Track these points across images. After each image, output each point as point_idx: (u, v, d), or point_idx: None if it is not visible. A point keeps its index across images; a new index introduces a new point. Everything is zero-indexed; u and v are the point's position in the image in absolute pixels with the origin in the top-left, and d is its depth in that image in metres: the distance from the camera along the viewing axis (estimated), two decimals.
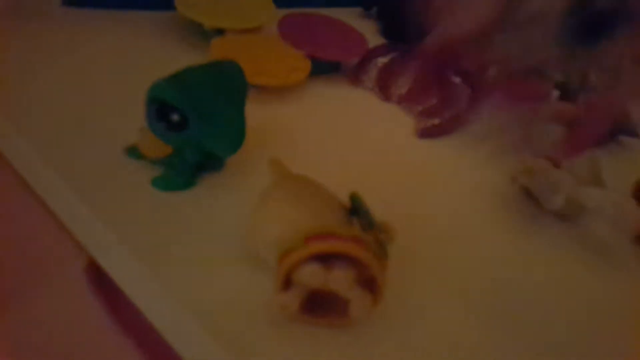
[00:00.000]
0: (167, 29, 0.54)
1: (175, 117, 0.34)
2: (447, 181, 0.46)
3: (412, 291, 0.35)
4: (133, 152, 0.38)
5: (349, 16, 0.62)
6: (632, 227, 0.41)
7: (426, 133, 0.50)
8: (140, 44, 0.51)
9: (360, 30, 0.57)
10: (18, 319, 0.44)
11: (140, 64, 0.47)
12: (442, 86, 0.53)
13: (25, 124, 0.39)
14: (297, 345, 0.30)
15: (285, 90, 0.50)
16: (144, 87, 0.34)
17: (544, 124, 0.49)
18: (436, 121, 0.51)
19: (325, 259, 0.29)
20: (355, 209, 0.34)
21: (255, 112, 0.38)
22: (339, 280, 0.29)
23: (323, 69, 0.53)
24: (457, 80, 0.54)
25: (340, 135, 0.48)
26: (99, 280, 0.37)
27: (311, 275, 0.29)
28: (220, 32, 0.51)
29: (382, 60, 0.55)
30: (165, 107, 0.34)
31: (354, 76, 0.54)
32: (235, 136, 0.35)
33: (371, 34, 0.63)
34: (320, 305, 0.31)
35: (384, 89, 0.53)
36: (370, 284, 0.30)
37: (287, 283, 0.30)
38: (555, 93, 0.59)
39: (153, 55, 0.49)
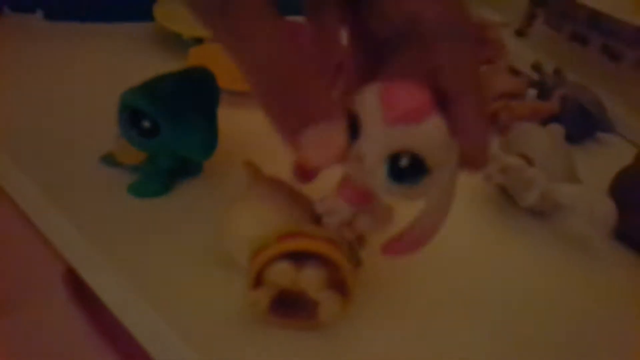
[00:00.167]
0: (146, 40, 0.54)
1: (146, 123, 0.34)
2: None
3: (385, 294, 0.35)
4: (109, 159, 0.39)
5: None
6: (606, 222, 0.42)
7: None
8: (121, 55, 0.52)
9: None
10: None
11: (119, 74, 0.48)
12: None
13: (2, 133, 0.40)
14: (269, 347, 0.30)
15: None
16: None
17: (521, 122, 0.49)
18: None
19: (298, 260, 0.29)
20: None
21: (234, 118, 0.39)
22: (309, 279, 0.29)
23: None
24: None
25: None
26: (77, 286, 0.38)
27: (281, 273, 0.29)
28: (199, 41, 0.52)
29: None
30: (137, 114, 0.34)
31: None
32: (207, 141, 0.36)
33: None
34: (291, 308, 0.31)
35: None
36: (341, 288, 0.30)
37: (258, 282, 0.30)
38: (533, 92, 0.59)
39: (133, 65, 0.50)
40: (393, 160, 0.25)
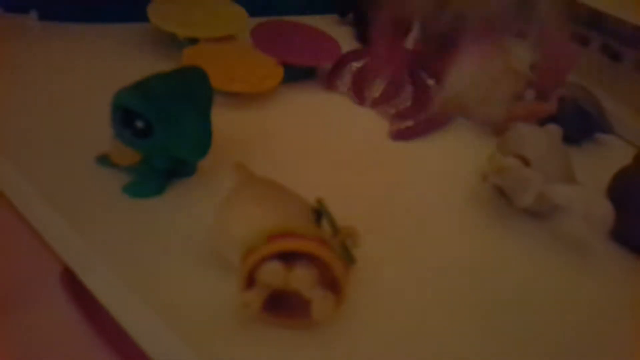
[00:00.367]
0: (141, 40, 0.54)
1: (139, 123, 0.34)
2: (419, 182, 0.47)
3: (379, 293, 0.35)
4: (104, 160, 0.38)
5: (326, 23, 0.62)
6: (603, 223, 0.42)
7: (400, 135, 0.50)
8: (115, 55, 0.52)
9: (336, 37, 0.58)
10: None
11: (114, 75, 0.48)
12: (415, 88, 0.54)
13: None
14: (263, 346, 0.30)
15: (260, 96, 0.50)
16: None
17: (518, 123, 0.49)
18: (410, 123, 0.51)
19: (290, 259, 0.29)
20: (320, 214, 0.34)
21: (229, 119, 0.39)
22: (300, 278, 0.29)
23: (298, 75, 0.54)
24: (430, 82, 0.54)
25: (314, 139, 0.48)
26: (75, 286, 0.37)
27: (272, 273, 0.29)
28: (193, 41, 0.52)
29: (356, 65, 0.55)
30: (130, 114, 0.34)
31: (328, 81, 0.55)
32: (201, 141, 0.36)
33: (348, 40, 0.64)
34: (284, 307, 0.31)
35: (358, 93, 0.54)
36: (333, 286, 0.30)
37: (250, 282, 0.30)
38: (531, 92, 0.59)
39: (127, 65, 0.50)
40: None
